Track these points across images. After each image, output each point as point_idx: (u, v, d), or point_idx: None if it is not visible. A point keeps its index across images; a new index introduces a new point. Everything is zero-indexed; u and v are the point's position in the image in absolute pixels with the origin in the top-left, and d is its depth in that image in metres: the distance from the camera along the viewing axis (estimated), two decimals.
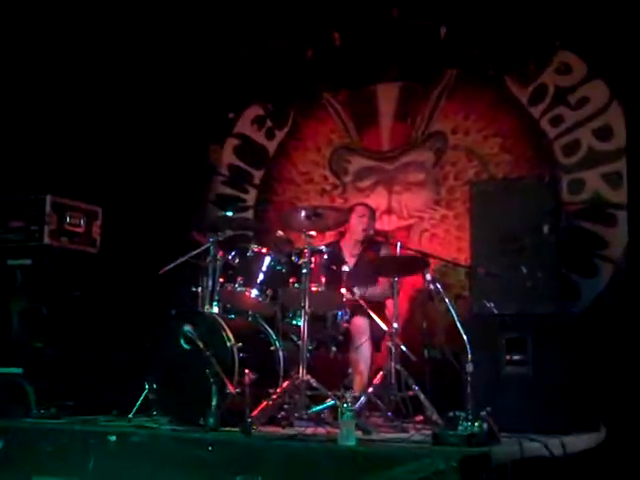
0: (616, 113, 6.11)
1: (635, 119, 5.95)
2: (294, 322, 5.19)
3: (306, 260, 4.95)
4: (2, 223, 5.99)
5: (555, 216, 5.47)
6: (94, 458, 4.32)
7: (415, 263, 5.42)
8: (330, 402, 4.74)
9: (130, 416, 4.94)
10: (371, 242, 6.06)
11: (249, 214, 7.44)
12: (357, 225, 5.96)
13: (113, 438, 4.32)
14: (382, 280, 5.75)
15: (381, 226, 6.69)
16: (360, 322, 5.50)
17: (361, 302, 5.38)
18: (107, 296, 6.10)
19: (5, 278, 5.84)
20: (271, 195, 7.44)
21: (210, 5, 7.04)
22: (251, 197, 7.53)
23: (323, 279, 5.11)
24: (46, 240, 5.82)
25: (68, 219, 6.00)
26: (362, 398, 4.89)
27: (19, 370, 5.56)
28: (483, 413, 4.03)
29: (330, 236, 6.21)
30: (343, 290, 5.18)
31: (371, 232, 6.07)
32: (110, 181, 6.76)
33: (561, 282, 5.51)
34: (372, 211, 6.17)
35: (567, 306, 5.54)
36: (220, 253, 5.26)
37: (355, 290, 5.40)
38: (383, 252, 5.95)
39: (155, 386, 4.95)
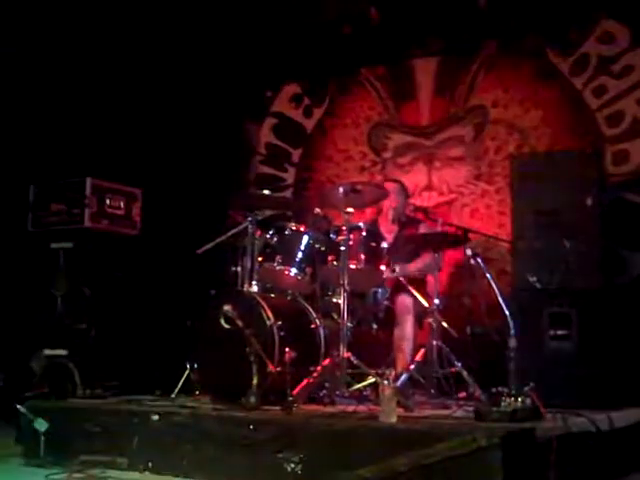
0: None
1: None
2: (334, 300, 5.16)
3: (344, 237, 4.91)
4: (44, 206, 6.07)
5: (598, 188, 5.35)
6: (138, 437, 4.38)
7: (454, 238, 5.35)
8: (371, 379, 4.71)
9: (173, 396, 4.98)
10: (410, 220, 5.99)
11: (288, 193, 7.42)
12: (386, 203, 5.88)
13: (156, 417, 4.37)
14: (424, 255, 5.69)
15: (421, 202, 6.61)
16: (405, 300, 5.45)
17: (401, 279, 5.34)
18: (148, 277, 6.15)
19: (48, 261, 5.91)
20: (310, 173, 7.41)
21: None
22: (290, 176, 7.51)
23: (362, 256, 5.06)
24: (87, 223, 5.88)
25: (108, 202, 6.05)
26: (404, 375, 4.86)
27: (64, 352, 5.65)
28: (526, 389, 3.98)
29: (370, 213, 6.15)
30: (382, 267, 5.14)
31: (402, 209, 5.96)
32: (150, 163, 6.80)
33: (606, 255, 5.39)
34: (402, 187, 6.08)
35: (612, 280, 5.42)
36: (258, 232, 5.25)
37: (396, 268, 5.34)
38: (422, 230, 5.88)
39: (196, 366, 4.97)
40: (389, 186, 5.93)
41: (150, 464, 4.30)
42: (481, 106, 6.70)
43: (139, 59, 6.90)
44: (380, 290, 5.30)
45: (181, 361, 5.08)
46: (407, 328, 5.34)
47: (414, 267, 5.62)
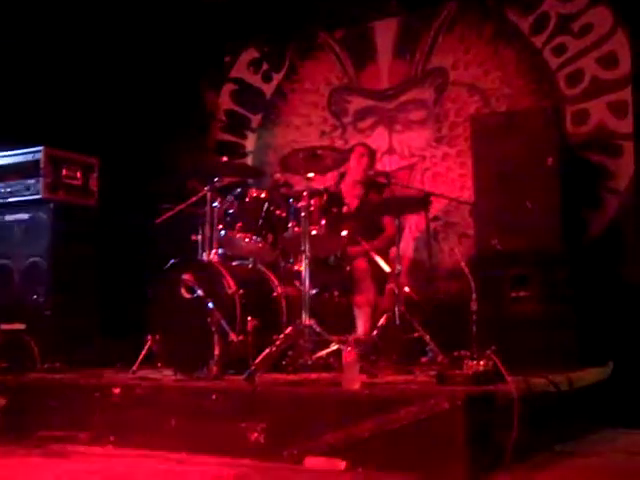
0: (620, 40, 5.94)
1: None
2: (295, 267, 5.12)
3: (305, 203, 4.85)
4: None
5: (559, 148, 5.34)
6: (99, 411, 4.32)
7: (417, 202, 5.33)
8: (334, 346, 4.69)
9: (134, 368, 4.92)
10: (374, 184, 5.96)
11: (248, 160, 7.33)
12: (357, 165, 5.88)
13: (117, 391, 4.31)
14: (389, 226, 5.66)
15: (383, 166, 6.58)
16: (365, 265, 5.43)
17: (364, 245, 5.31)
18: (107, 248, 6.04)
19: (3, 234, 5.78)
20: (270, 139, 7.32)
21: None
22: (250, 142, 7.42)
23: (323, 222, 5.00)
24: (43, 194, 5.74)
25: (64, 172, 5.91)
26: (367, 341, 4.85)
27: (22, 326, 5.55)
28: (488, 352, 3.98)
29: (331, 177, 6.10)
30: (344, 232, 5.09)
31: (371, 172, 5.97)
32: (107, 131, 6.66)
33: (567, 216, 5.41)
34: (372, 151, 6.07)
35: (573, 240, 5.44)
36: (218, 200, 5.17)
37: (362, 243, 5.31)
38: (386, 194, 5.86)
39: (158, 337, 4.91)
40: (360, 149, 5.91)
41: (112, 438, 4.25)
42: (441, 68, 6.65)
43: (97, 26, 6.74)
44: (341, 256, 5.26)
45: (142, 333, 5.01)
46: (368, 294, 5.33)
47: (379, 243, 5.60)
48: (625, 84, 5.92)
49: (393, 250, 5.34)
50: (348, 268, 5.35)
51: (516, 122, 5.45)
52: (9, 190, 5.84)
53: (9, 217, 5.80)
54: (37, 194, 5.73)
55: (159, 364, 4.96)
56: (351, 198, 5.70)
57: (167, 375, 4.73)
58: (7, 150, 5.90)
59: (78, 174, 5.99)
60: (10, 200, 5.82)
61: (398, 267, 5.14)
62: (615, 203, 5.85)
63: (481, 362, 3.92)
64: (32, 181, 5.77)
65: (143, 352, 4.94)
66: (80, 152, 6.08)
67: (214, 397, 4.04)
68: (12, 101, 6.18)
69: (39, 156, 5.78)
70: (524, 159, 5.30)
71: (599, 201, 5.89)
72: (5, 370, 5.07)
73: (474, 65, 6.51)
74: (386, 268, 5.24)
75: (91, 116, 6.63)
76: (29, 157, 5.82)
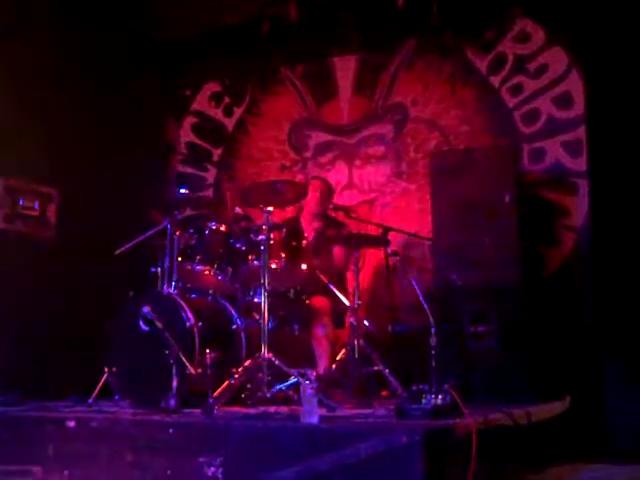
0: (575, 80, 6.09)
1: (594, 85, 5.91)
2: (255, 300, 5.11)
3: (265, 237, 4.86)
4: None
5: (516, 186, 5.43)
6: (53, 445, 4.24)
7: (376, 238, 5.37)
8: (293, 380, 4.68)
9: (90, 401, 4.85)
10: (333, 222, 5.99)
11: (209, 193, 7.33)
12: (312, 199, 5.90)
13: (72, 424, 4.24)
14: (338, 252, 5.69)
15: (342, 201, 6.62)
16: (323, 299, 5.44)
17: (322, 278, 5.32)
18: (65, 279, 5.97)
19: None
20: (231, 173, 7.33)
21: None
22: (211, 175, 7.42)
23: (283, 255, 5.02)
24: None
25: (22, 202, 5.86)
26: (325, 375, 4.84)
27: None
28: (446, 386, 4.00)
29: (290, 211, 6.13)
30: (304, 266, 5.10)
31: (328, 206, 5.99)
32: (66, 162, 6.59)
33: (524, 252, 5.49)
34: (327, 185, 6.10)
35: (531, 276, 5.51)
36: (177, 232, 5.16)
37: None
38: (344, 233, 5.89)
39: (115, 369, 4.86)
40: (314, 183, 5.94)
41: (67, 472, 4.17)
42: (401, 104, 6.73)
43: (57, 53, 6.70)
44: (301, 289, 5.27)
45: (99, 365, 4.95)
46: (326, 328, 5.34)
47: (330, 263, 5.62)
48: (579, 123, 6.05)
49: (352, 283, 5.37)
50: (307, 302, 5.35)
51: (475, 159, 5.54)
52: None
53: None
54: None
55: (116, 397, 4.91)
56: (309, 231, 5.74)
57: (124, 408, 4.67)
58: None
59: (36, 205, 5.94)
60: None
61: (357, 301, 5.16)
62: (571, 240, 5.95)
63: (440, 396, 3.94)
64: None
65: (100, 384, 4.89)
66: (38, 183, 6.02)
67: (171, 431, 3.99)
68: None
69: None
70: (482, 196, 5.38)
71: (556, 238, 5.99)
72: None
73: (433, 102, 6.62)
74: (346, 302, 5.27)
75: (50, 147, 6.55)
76: None
